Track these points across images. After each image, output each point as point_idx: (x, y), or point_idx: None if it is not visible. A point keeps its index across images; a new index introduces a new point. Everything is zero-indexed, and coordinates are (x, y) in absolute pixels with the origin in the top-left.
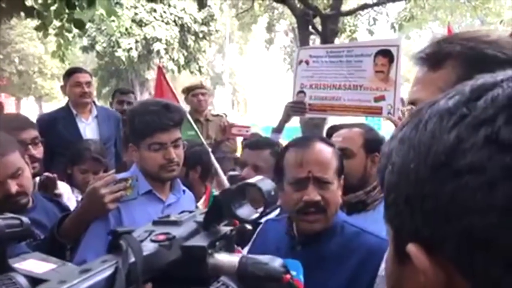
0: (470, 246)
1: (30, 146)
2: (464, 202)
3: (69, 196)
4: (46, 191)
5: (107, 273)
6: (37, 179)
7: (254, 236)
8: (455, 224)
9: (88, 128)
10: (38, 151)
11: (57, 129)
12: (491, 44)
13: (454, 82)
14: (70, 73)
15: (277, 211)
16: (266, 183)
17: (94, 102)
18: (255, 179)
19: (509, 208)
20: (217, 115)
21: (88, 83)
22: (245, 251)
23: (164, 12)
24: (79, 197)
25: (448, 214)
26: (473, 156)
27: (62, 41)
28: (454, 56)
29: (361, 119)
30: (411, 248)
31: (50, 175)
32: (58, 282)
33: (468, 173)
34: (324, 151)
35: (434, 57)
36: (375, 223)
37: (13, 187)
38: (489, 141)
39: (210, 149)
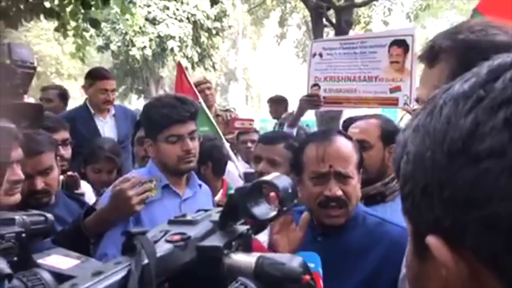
0: (495, 234)
1: (60, 147)
2: (486, 188)
3: (91, 196)
4: (68, 190)
5: (120, 275)
6: (61, 177)
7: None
8: (477, 213)
9: (107, 127)
10: (67, 152)
11: (75, 128)
12: (477, 34)
13: (447, 77)
14: (98, 77)
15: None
16: (282, 180)
17: None
18: (271, 176)
19: None
20: (226, 110)
21: (114, 91)
22: (261, 238)
23: (177, 9)
24: (93, 196)
25: (469, 202)
26: (492, 140)
27: (80, 42)
28: (446, 51)
29: (377, 111)
30: (431, 240)
31: (73, 174)
32: (70, 285)
33: (488, 158)
34: (345, 145)
35: (430, 54)
36: (394, 214)
37: (40, 184)
38: (509, 123)
39: (228, 144)
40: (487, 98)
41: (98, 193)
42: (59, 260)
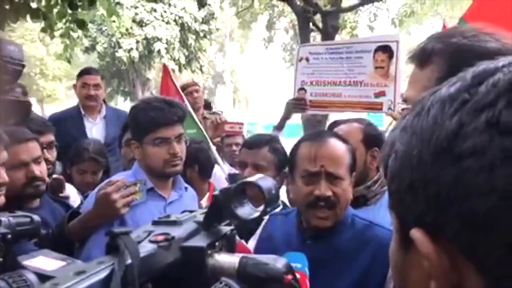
0: (473, 229)
1: (45, 150)
2: (465, 185)
3: (75, 198)
4: (53, 193)
5: (103, 275)
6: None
7: (259, 231)
8: (457, 208)
9: (95, 128)
10: (52, 155)
11: (65, 129)
12: (470, 39)
13: (437, 79)
14: (81, 74)
15: (279, 208)
16: (266, 181)
17: (104, 101)
18: (255, 178)
19: (509, 190)
20: (214, 113)
21: (96, 86)
22: (250, 244)
23: (165, 11)
24: (78, 198)
25: (450, 198)
26: (474, 140)
27: (68, 42)
28: (438, 54)
29: (362, 115)
30: (415, 233)
31: (58, 177)
32: (51, 285)
33: (469, 157)
34: (338, 147)
35: (421, 56)
36: (376, 217)
37: (37, 170)
38: (490, 124)
39: (214, 147)
40: (471, 101)
41: (83, 194)
42: (45, 261)
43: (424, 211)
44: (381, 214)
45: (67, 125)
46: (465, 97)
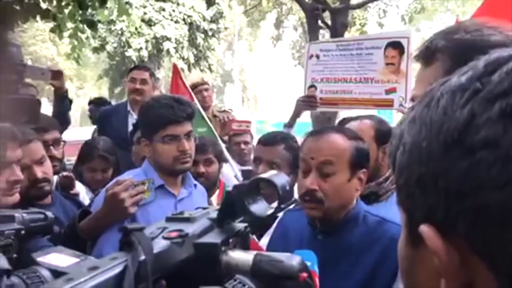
0: (486, 223)
1: (51, 147)
2: (478, 178)
3: (84, 196)
4: (63, 190)
5: (116, 271)
6: (56, 177)
7: (273, 227)
8: (469, 202)
9: None
10: (59, 152)
11: (110, 123)
12: (473, 34)
13: (442, 76)
14: (130, 70)
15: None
16: (280, 178)
17: None
18: (269, 174)
19: None
20: (223, 111)
21: (143, 81)
22: (262, 241)
23: (173, 10)
24: (86, 196)
25: (462, 192)
26: (487, 131)
27: (76, 42)
28: (442, 51)
29: (373, 112)
30: (424, 229)
31: (68, 174)
32: (65, 280)
33: (482, 149)
34: (336, 141)
35: (425, 54)
36: (388, 214)
37: (39, 172)
38: (504, 114)
39: (224, 145)
40: (484, 90)
41: (94, 192)
42: (59, 258)
43: (434, 205)
44: (392, 211)
45: (113, 120)
46: (477, 87)
